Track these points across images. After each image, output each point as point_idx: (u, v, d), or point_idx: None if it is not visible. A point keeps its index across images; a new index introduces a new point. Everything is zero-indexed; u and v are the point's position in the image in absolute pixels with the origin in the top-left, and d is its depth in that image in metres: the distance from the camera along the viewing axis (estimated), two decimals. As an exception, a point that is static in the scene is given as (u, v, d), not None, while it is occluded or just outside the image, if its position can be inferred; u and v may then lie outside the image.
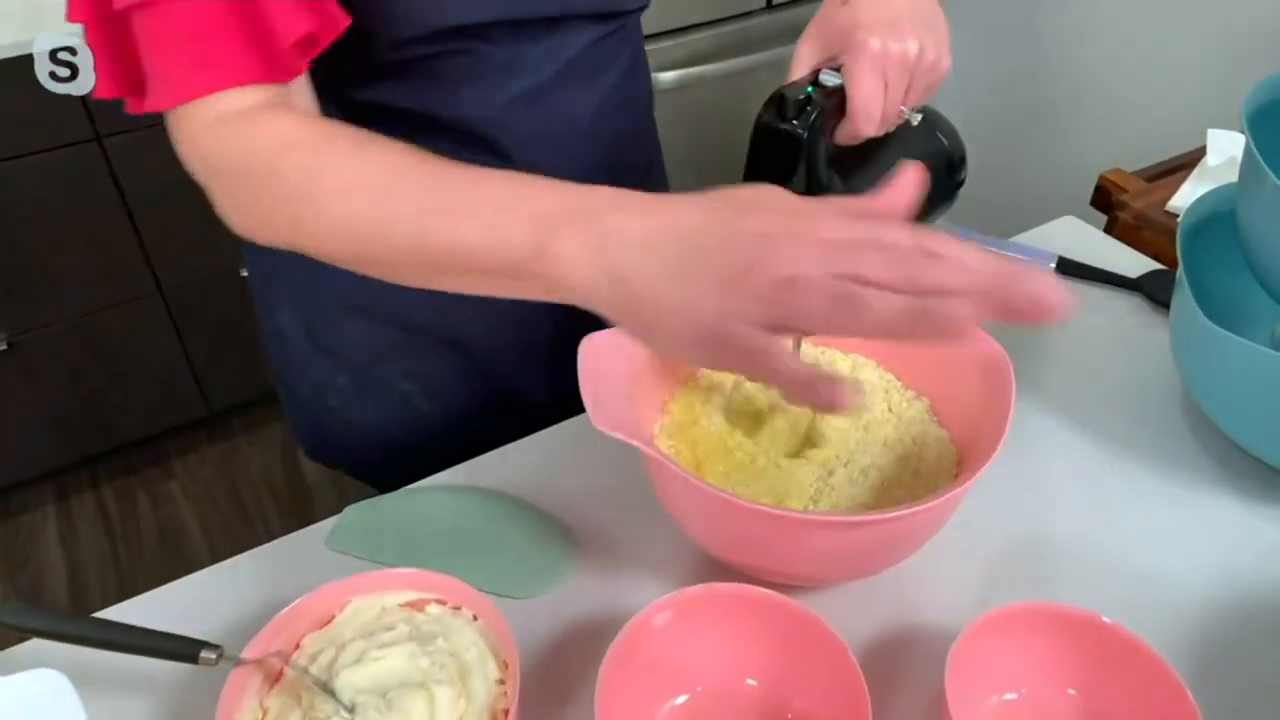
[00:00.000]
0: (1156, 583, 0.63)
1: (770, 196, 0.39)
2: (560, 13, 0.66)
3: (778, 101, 0.51)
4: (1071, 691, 0.55)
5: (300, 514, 1.74)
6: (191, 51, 0.48)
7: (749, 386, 0.66)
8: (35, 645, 0.58)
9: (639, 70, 0.80)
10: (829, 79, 0.52)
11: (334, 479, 1.85)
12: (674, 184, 0.93)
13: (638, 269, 0.38)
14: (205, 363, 1.80)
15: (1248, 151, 0.63)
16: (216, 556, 0.66)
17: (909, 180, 0.41)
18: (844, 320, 0.36)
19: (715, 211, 0.39)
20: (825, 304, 0.36)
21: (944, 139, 0.61)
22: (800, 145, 0.50)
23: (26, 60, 1.35)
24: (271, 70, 0.50)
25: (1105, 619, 0.52)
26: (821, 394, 0.39)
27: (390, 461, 0.86)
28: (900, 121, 0.55)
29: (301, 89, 0.55)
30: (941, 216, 0.63)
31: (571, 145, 0.73)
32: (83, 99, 1.42)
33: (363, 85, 0.66)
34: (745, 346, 0.38)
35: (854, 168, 0.55)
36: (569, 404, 0.72)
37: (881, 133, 0.54)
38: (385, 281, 0.74)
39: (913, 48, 0.52)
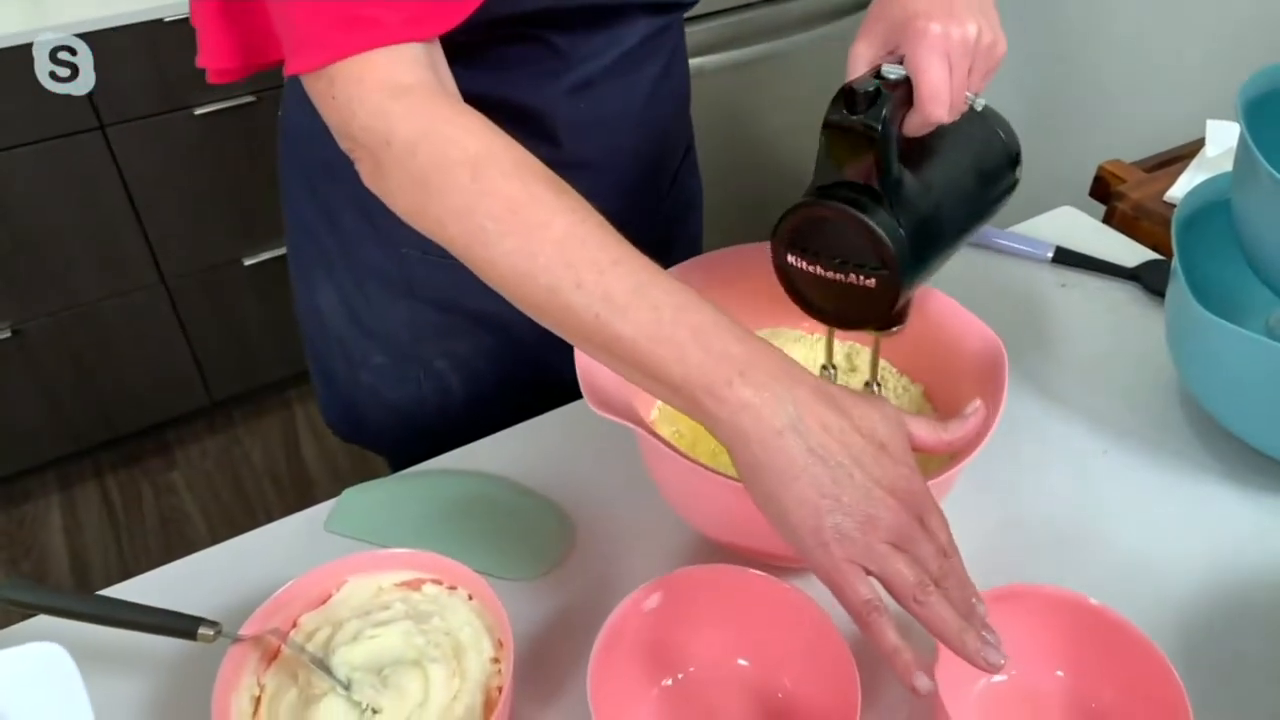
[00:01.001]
0: (1147, 568, 0.63)
1: (897, 437, 0.45)
2: (622, 1, 0.67)
3: (847, 96, 0.51)
4: (1060, 673, 0.55)
5: (302, 503, 1.74)
6: (341, 6, 0.48)
7: None
8: (37, 622, 0.58)
9: (681, 60, 0.81)
10: (891, 72, 0.52)
11: (336, 468, 1.86)
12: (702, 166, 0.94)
13: (795, 456, 0.43)
14: (207, 353, 1.81)
15: (1243, 141, 0.64)
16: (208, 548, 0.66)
17: (980, 413, 0.52)
18: (913, 606, 0.43)
19: (864, 441, 0.44)
20: (909, 587, 0.43)
21: (1002, 133, 0.60)
22: (875, 140, 0.50)
23: (30, 50, 1.36)
24: (421, 23, 0.49)
25: (1093, 601, 0.53)
26: (895, 664, 0.44)
27: (417, 439, 0.86)
28: (966, 108, 0.55)
29: (444, 62, 0.53)
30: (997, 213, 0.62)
31: (619, 134, 0.74)
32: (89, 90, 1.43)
33: None
34: (842, 569, 0.43)
35: (919, 162, 0.55)
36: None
37: (950, 120, 0.54)
38: (427, 263, 0.75)
39: (972, 30, 0.52)
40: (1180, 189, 0.97)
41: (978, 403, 0.52)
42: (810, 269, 0.54)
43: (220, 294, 1.76)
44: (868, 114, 0.50)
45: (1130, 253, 0.90)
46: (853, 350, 0.72)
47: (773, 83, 1.81)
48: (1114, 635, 0.52)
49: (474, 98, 0.66)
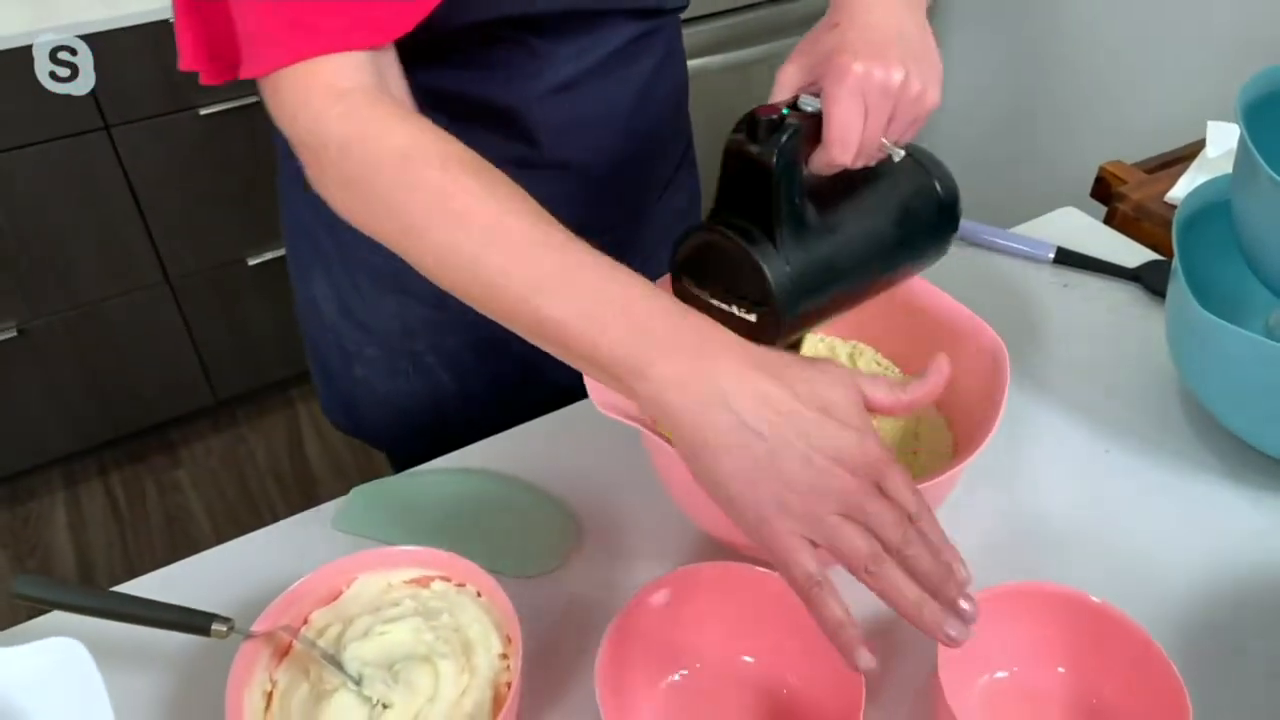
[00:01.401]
0: (1147, 566, 0.64)
1: (844, 401, 0.43)
2: (602, 7, 0.67)
3: (748, 122, 0.49)
4: (1061, 669, 0.56)
5: (306, 501, 1.76)
6: (287, 12, 0.49)
7: None
8: (49, 618, 0.59)
9: (676, 64, 0.81)
10: (808, 104, 0.50)
11: (340, 467, 1.87)
12: (702, 169, 0.94)
13: (724, 431, 0.42)
14: (211, 352, 1.81)
15: (1242, 143, 0.64)
16: (224, 544, 0.67)
17: (942, 370, 0.48)
18: (865, 578, 0.42)
19: (803, 407, 0.42)
20: (860, 559, 0.41)
21: (936, 182, 0.57)
22: (769, 171, 0.47)
23: (32, 51, 1.36)
24: (362, 32, 0.50)
25: (1094, 598, 0.53)
26: (838, 640, 0.43)
27: (413, 435, 0.87)
28: (882, 156, 0.52)
29: (394, 67, 0.54)
30: (933, 264, 0.59)
31: (605, 137, 0.74)
32: (93, 90, 1.43)
33: (407, 68, 0.66)
34: (783, 542, 0.42)
35: (834, 201, 0.53)
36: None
37: (860, 164, 0.51)
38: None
39: (897, 75, 0.49)
40: (1181, 190, 0.98)
41: (941, 359, 0.48)
42: (699, 294, 0.53)
43: (225, 293, 1.76)
44: (766, 143, 0.48)
45: (1131, 253, 0.91)
46: (855, 350, 0.72)
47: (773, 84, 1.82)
48: (1115, 632, 0.53)
49: (453, 97, 0.67)
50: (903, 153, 0.52)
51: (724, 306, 0.52)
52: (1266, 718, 0.56)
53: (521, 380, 0.84)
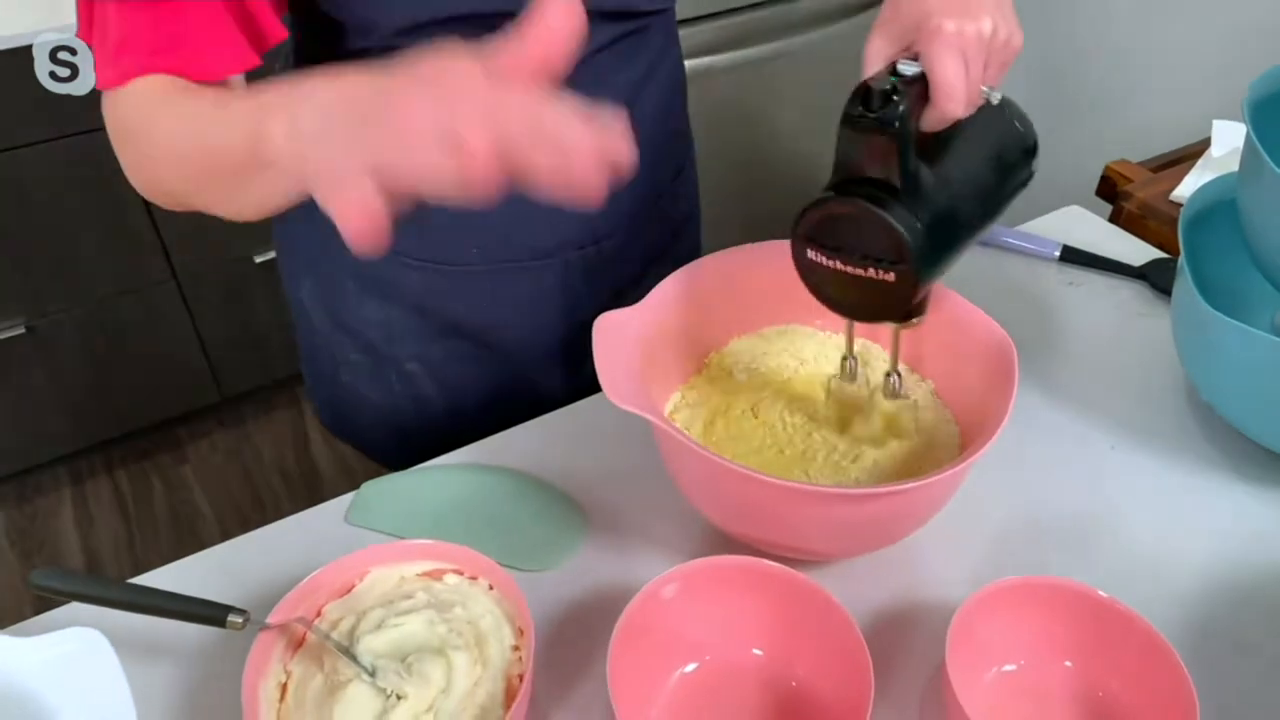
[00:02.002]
0: (1154, 561, 0.64)
1: (441, 60, 0.42)
2: None
3: (863, 94, 0.51)
4: (1068, 663, 0.56)
5: (311, 498, 1.76)
6: (110, 41, 0.55)
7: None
8: (66, 610, 0.60)
9: (667, 68, 0.79)
10: (907, 68, 0.53)
11: (345, 465, 1.87)
12: (702, 174, 0.94)
13: (311, 125, 0.43)
14: (218, 349, 1.82)
15: (1248, 141, 0.65)
16: (230, 540, 0.68)
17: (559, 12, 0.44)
18: (432, 167, 0.40)
19: (390, 83, 0.42)
20: (425, 153, 0.40)
21: (1019, 125, 0.61)
22: (893, 136, 0.51)
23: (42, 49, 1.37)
24: (199, 68, 0.56)
25: (1101, 593, 0.54)
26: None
27: (399, 443, 0.87)
28: (981, 103, 0.55)
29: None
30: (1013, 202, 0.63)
31: None
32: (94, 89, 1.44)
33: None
34: (344, 187, 0.41)
35: (936, 156, 0.56)
36: (584, 398, 0.74)
37: (966, 114, 0.54)
38: (400, 265, 0.75)
39: (987, 26, 0.53)
40: (1186, 188, 0.98)
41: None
42: (829, 264, 0.55)
43: (231, 291, 1.77)
44: (884, 111, 0.50)
45: (1137, 251, 0.91)
46: (863, 348, 0.73)
47: (778, 82, 1.82)
48: (1122, 626, 0.54)
49: None
50: (1000, 96, 0.56)
51: (858, 272, 0.54)
52: (1272, 712, 0.56)
53: (510, 393, 0.84)
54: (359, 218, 0.41)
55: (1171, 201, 0.98)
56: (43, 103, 1.42)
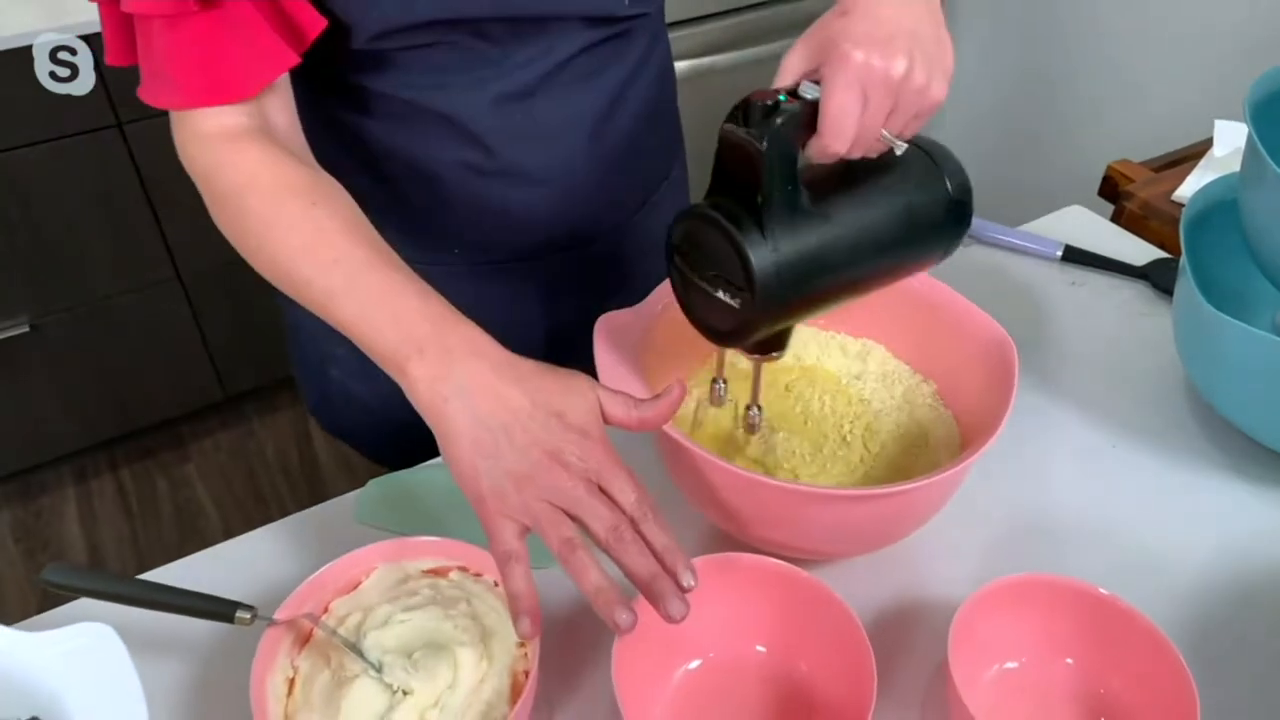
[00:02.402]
0: (1154, 559, 0.65)
1: (578, 409, 0.50)
2: (544, 13, 0.65)
3: (743, 107, 0.49)
4: (1069, 660, 0.57)
5: (314, 497, 1.76)
6: (161, 71, 0.57)
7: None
8: (75, 606, 0.60)
9: (654, 73, 0.78)
10: (809, 90, 0.49)
11: (347, 463, 1.88)
12: (693, 174, 0.94)
13: (459, 422, 0.49)
14: (221, 347, 1.83)
15: (1250, 142, 0.65)
16: (233, 538, 0.68)
17: (674, 396, 0.53)
18: (565, 559, 0.48)
19: (534, 409, 0.49)
20: (556, 542, 0.48)
21: (946, 178, 0.55)
22: (759, 156, 0.47)
23: (45, 49, 1.37)
24: (217, 94, 0.58)
25: (1102, 590, 0.54)
26: (515, 607, 0.49)
27: (390, 439, 0.87)
28: (883, 148, 0.51)
29: (278, 104, 0.61)
30: (947, 258, 0.58)
31: (567, 148, 0.72)
32: (105, 87, 1.45)
33: (352, 70, 0.67)
34: (492, 521, 0.49)
35: (832, 192, 0.52)
36: None
37: (858, 154, 0.51)
38: None
39: (899, 66, 0.49)
40: (1188, 188, 0.98)
41: (674, 385, 0.54)
42: (690, 275, 0.53)
43: (234, 290, 1.77)
44: (758, 127, 0.48)
45: (1139, 251, 0.91)
46: (865, 347, 0.73)
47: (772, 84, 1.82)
48: (1122, 624, 0.54)
49: (400, 101, 0.68)
50: (905, 145, 0.51)
51: (710, 290, 0.52)
52: (1272, 709, 0.57)
53: None
54: (529, 598, 0.49)
55: (1174, 201, 0.98)
56: (46, 102, 1.43)
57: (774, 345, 0.56)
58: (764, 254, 0.49)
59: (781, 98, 0.49)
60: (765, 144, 0.47)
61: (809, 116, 0.49)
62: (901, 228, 0.55)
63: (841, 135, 0.49)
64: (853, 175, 0.53)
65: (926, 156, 0.56)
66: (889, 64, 0.49)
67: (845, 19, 0.51)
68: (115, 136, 1.51)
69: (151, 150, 1.56)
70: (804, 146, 0.50)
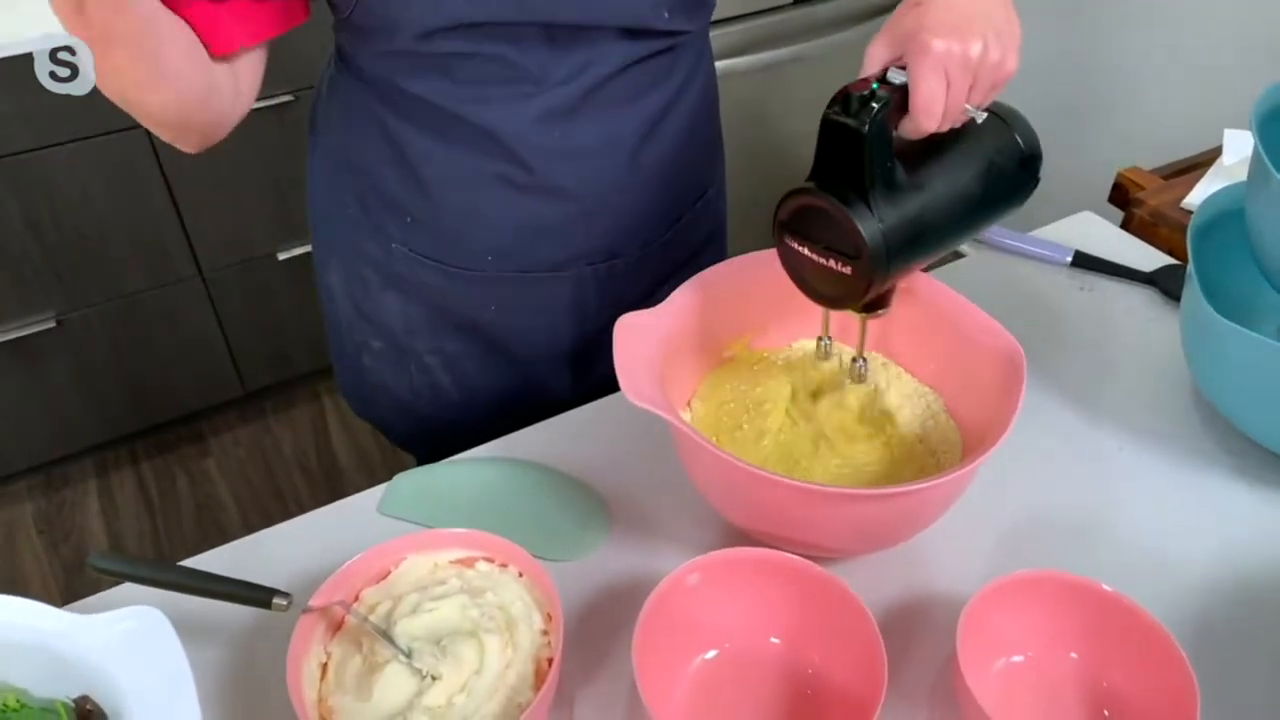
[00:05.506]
0: (1159, 559, 0.66)
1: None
2: (577, 21, 0.66)
3: (842, 97, 0.55)
4: (1074, 655, 0.58)
5: (332, 492, 1.79)
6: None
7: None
8: (117, 591, 0.63)
9: (695, 95, 0.78)
10: (896, 76, 0.56)
11: (365, 459, 1.91)
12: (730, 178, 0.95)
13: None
14: (241, 345, 1.86)
15: (1256, 153, 0.66)
16: (252, 532, 0.70)
17: None
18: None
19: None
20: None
21: (1018, 137, 0.63)
22: (860, 139, 0.53)
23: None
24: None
25: (1106, 587, 0.56)
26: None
27: (418, 429, 0.90)
28: (966, 119, 0.57)
29: (247, 67, 0.70)
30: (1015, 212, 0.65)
31: (606, 168, 0.74)
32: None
33: (406, 76, 0.70)
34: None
35: (923, 162, 0.59)
36: (592, 400, 0.76)
37: (946, 128, 0.57)
38: (415, 262, 0.79)
39: (975, 48, 0.54)
40: (1197, 196, 1.00)
41: None
42: (800, 250, 0.58)
43: (255, 287, 1.80)
44: (858, 115, 0.53)
45: (1147, 258, 0.93)
46: (874, 359, 0.74)
47: (800, 85, 1.83)
48: (1126, 620, 0.56)
49: (451, 115, 0.70)
50: (984, 115, 0.58)
51: (821, 261, 0.57)
52: (1272, 706, 0.58)
53: (521, 392, 0.87)
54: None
55: (1183, 209, 1.00)
56: (74, 103, 1.46)
57: (879, 304, 0.61)
58: (872, 226, 0.55)
59: (874, 86, 0.55)
60: (867, 128, 0.53)
61: (899, 100, 0.55)
62: (985, 186, 0.61)
63: (932, 115, 0.55)
64: (939, 145, 0.59)
65: (999, 119, 0.62)
66: (966, 47, 0.54)
67: (920, 9, 0.56)
68: (141, 136, 1.54)
69: (175, 151, 1.58)
70: (895, 126, 0.56)
